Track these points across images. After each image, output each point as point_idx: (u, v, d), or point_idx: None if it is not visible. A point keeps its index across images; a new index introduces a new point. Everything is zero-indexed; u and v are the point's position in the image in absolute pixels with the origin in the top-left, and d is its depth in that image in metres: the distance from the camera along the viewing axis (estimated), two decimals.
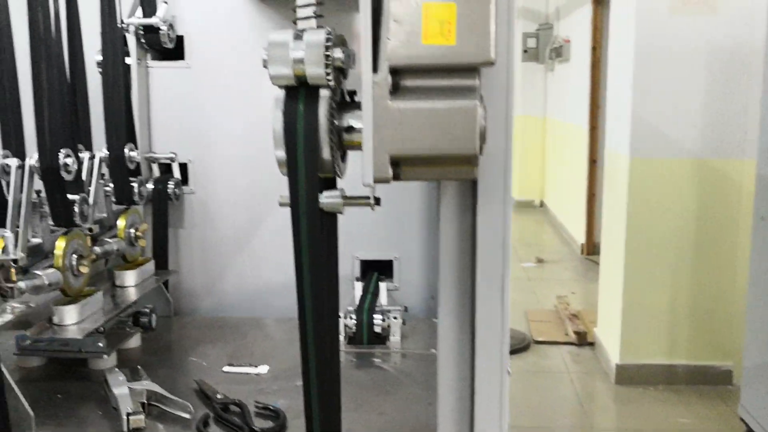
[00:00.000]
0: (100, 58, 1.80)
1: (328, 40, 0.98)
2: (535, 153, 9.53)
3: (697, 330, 4.13)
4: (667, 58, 3.94)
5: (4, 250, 1.39)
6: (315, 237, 1.06)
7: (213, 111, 2.00)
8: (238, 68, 1.98)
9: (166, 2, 1.89)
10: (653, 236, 4.08)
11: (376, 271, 2.00)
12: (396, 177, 1.00)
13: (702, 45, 3.90)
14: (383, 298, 1.88)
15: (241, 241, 2.05)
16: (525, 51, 8.96)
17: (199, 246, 2.05)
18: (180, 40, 1.97)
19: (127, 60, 1.88)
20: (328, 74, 0.98)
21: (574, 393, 4.15)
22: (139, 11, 1.88)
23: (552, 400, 4.11)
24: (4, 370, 1.26)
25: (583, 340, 4.78)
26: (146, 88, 1.98)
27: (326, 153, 1.02)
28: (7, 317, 1.50)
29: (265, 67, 0.99)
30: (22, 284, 1.36)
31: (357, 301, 1.84)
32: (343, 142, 1.04)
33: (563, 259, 7.12)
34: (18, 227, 1.43)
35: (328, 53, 0.97)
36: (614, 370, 4.20)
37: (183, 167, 2.02)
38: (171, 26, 1.91)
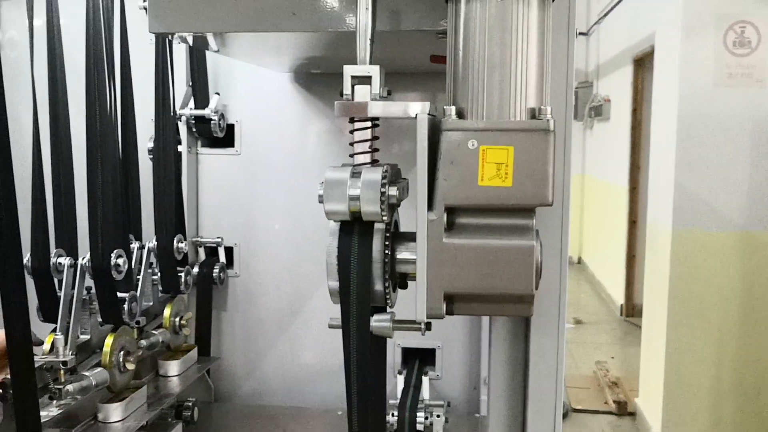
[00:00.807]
0: (152, 145, 1.84)
1: (384, 177, 0.98)
2: (573, 210, 9.41)
3: (742, 408, 4.00)
4: (712, 128, 3.91)
5: (53, 348, 1.41)
6: (365, 358, 1.05)
7: (260, 195, 2.03)
8: (284, 156, 2.01)
9: (218, 93, 1.93)
10: (697, 307, 3.99)
11: (418, 359, 1.98)
12: (449, 312, 0.99)
13: (747, 116, 3.86)
14: (425, 392, 1.86)
15: (282, 325, 2.05)
16: None
17: (241, 328, 2.06)
18: (230, 127, 2.00)
19: (179, 148, 1.92)
20: (383, 211, 0.98)
21: None
22: (192, 102, 1.92)
23: None
24: None
25: (623, 410, 4.67)
26: (196, 174, 2.02)
27: (378, 285, 1.02)
28: (53, 412, 1.52)
29: (320, 202, 0.99)
30: (70, 387, 1.37)
31: (399, 394, 1.81)
32: (396, 273, 1.04)
33: (602, 321, 6.99)
34: (68, 324, 1.45)
35: (383, 191, 0.98)
36: None
37: (229, 251, 2.04)
38: (222, 116, 1.95)
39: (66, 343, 1.41)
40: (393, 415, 1.74)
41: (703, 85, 3.90)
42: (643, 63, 6.35)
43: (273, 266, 2.04)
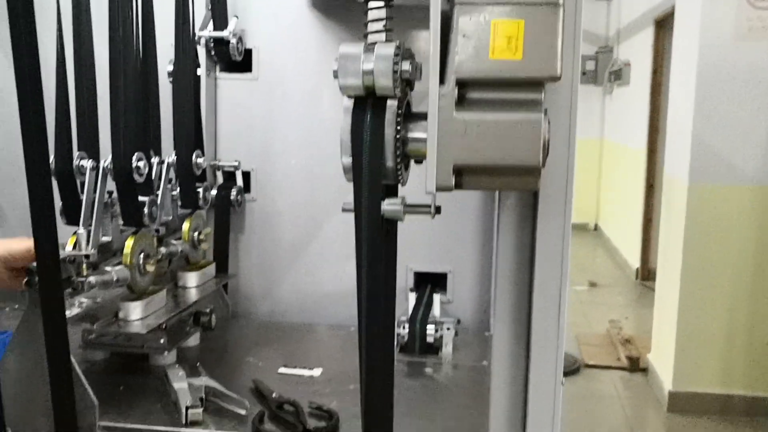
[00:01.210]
0: (172, 68, 1.87)
1: (396, 53, 1.01)
2: (591, 175, 9.43)
3: (754, 360, 4.03)
4: (731, 83, 3.89)
5: (77, 245, 1.47)
6: (376, 241, 1.09)
7: (276, 122, 2.06)
8: (301, 81, 2.04)
9: (236, 16, 1.96)
10: (710, 263, 4.01)
11: (429, 283, 2.02)
12: (458, 186, 1.02)
13: (766, 70, 3.83)
14: (436, 310, 1.90)
15: (298, 248, 2.09)
16: (583, 73, 8.90)
17: (257, 252, 2.10)
18: (248, 53, 2.03)
19: (198, 71, 1.95)
20: (395, 85, 1.01)
21: (625, 419, 4.09)
22: (211, 25, 1.95)
23: (602, 425, 4.05)
24: (72, 359, 1.32)
25: (635, 365, 4.71)
26: (214, 98, 2.05)
27: (390, 162, 1.05)
28: (75, 311, 1.58)
29: (335, 77, 1.03)
30: (92, 279, 1.42)
31: (410, 312, 1.86)
32: (407, 151, 1.07)
33: (617, 284, 7.01)
34: (90, 226, 1.50)
35: (396, 66, 1.00)
36: (667, 397, 4.12)
37: (246, 175, 2.08)
38: (240, 39, 1.97)
39: (88, 240, 1.46)
40: (404, 327, 1.78)
41: (723, 39, 3.88)
42: (663, 24, 6.30)
43: (289, 191, 2.08)
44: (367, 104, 1.04)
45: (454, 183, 1.01)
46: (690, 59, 4.00)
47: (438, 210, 1.12)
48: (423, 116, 1.03)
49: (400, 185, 1.14)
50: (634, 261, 7.11)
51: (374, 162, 1.04)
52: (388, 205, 1.11)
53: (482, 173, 1.02)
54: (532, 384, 1.16)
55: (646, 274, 6.79)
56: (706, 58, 3.90)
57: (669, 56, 4.94)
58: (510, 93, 0.99)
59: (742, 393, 4.04)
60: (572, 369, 4.66)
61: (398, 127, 1.04)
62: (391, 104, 1.04)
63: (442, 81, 0.99)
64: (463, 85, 0.99)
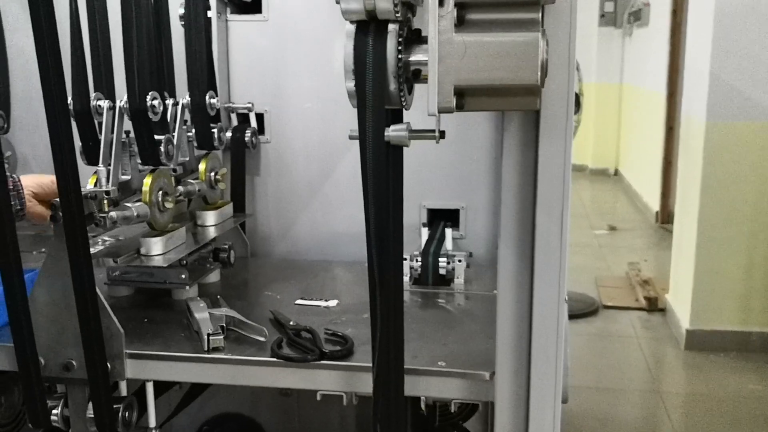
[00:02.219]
0: (182, 11, 1.90)
1: None
2: (611, 120, 9.35)
3: None
4: (748, 19, 3.83)
5: (97, 183, 1.52)
6: (381, 165, 1.12)
7: (289, 63, 2.09)
8: (312, 22, 2.05)
9: None
10: (728, 201, 4.00)
11: (442, 220, 2.06)
12: (460, 107, 1.05)
13: None
14: (449, 244, 1.94)
15: (313, 189, 2.13)
16: (602, 16, 8.77)
17: (273, 193, 2.15)
18: None
19: (208, 14, 1.98)
20: (396, 8, 1.03)
21: (643, 357, 4.14)
22: None
23: (619, 363, 4.11)
24: (98, 291, 1.38)
25: (653, 306, 4.74)
26: (226, 40, 2.08)
27: (393, 85, 1.08)
28: (99, 248, 1.64)
29: (337, 2, 1.05)
30: (114, 214, 1.47)
31: (423, 246, 1.90)
32: (410, 75, 1.10)
33: (636, 228, 7.01)
34: (109, 164, 1.55)
35: None
36: (684, 335, 4.16)
37: (260, 117, 2.11)
38: None
39: (108, 178, 1.51)
40: (417, 261, 1.83)
41: None
42: None
43: (303, 132, 2.11)
44: (369, 28, 1.07)
45: (455, 104, 1.04)
46: None
47: (442, 134, 1.15)
48: (424, 41, 1.06)
49: (405, 111, 1.17)
50: (654, 204, 7.09)
51: (377, 85, 1.07)
52: (392, 131, 1.14)
53: (483, 94, 1.05)
54: (536, 301, 1.20)
55: (666, 217, 6.77)
56: None
57: None
58: (508, 13, 1.01)
59: (759, 330, 4.06)
60: (590, 310, 4.71)
61: (400, 50, 1.07)
62: (393, 28, 1.07)
63: (441, 3, 1.01)
64: (461, 6, 1.01)
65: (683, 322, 4.22)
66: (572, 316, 4.55)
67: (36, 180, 1.57)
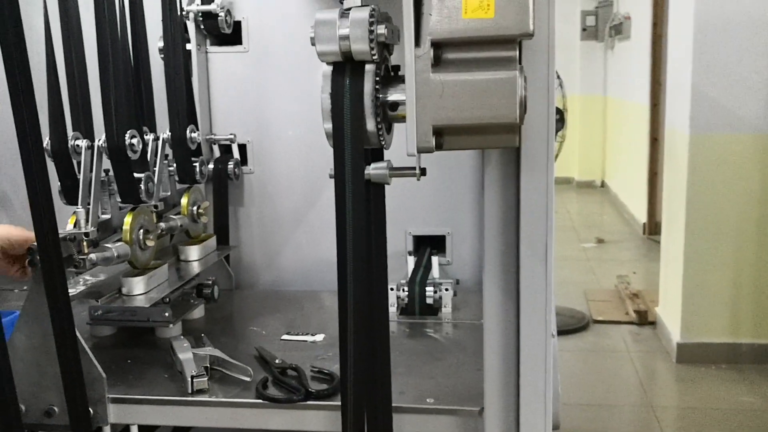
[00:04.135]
0: (162, 44, 1.89)
1: (372, 17, 1.02)
2: (596, 133, 9.39)
3: (761, 308, 4.05)
4: (728, 32, 3.85)
5: (76, 224, 1.50)
6: (360, 207, 1.11)
7: (270, 93, 2.08)
8: (292, 51, 2.04)
9: None
10: (714, 213, 4.01)
11: (428, 246, 2.04)
12: (439, 147, 1.04)
13: (765, 15, 3.80)
14: (435, 272, 1.93)
15: (298, 218, 2.12)
16: (584, 29, 8.82)
17: (258, 223, 2.13)
18: (237, 25, 2.04)
19: (188, 46, 1.97)
20: (372, 49, 1.03)
21: (634, 372, 4.13)
22: None
23: (611, 378, 4.10)
24: (78, 335, 1.35)
25: (643, 319, 4.74)
26: (206, 72, 2.07)
27: (371, 125, 1.07)
28: (80, 288, 1.61)
29: (312, 44, 1.04)
30: (93, 256, 1.45)
31: (410, 275, 1.89)
32: (388, 114, 1.09)
33: (624, 240, 7.02)
34: (89, 204, 1.53)
35: (372, 29, 1.02)
36: (675, 348, 4.15)
37: (242, 148, 2.10)
38: (228, 12, 1.98)
39: (87, 218, 1.49)
40: (403, 290, 1.81)
41: None
42: None
43: (286, 162, 2.10)
44: (345, 69, 1.06)
45: (434, 144, 1.03)
46: (687, 10, 3.96)
47: (423, 171, 1.15)
48: (402, 79, 1.05)
49: (385, 149, 1.16)
50: (641, 216, 7.12)
51: (355, 126, 1.06)
52: (373, 170, 1.13)
53: (462, 132, 1.04)
54: (523, 334, 1.19)
55: (653, 228, 6.79)
56: (703, 7, 3.86)
57: (668, 8, 4.89)
58: (485, 52, 1.01)
59: (749, 341, 4.07)
60: (581, 325, 4.70)
61: (377, 90, 1.06)
62: (370, 68, 1.06)
63: (417, 43, 1.00)
64: (438, 46, 1.00)
65: (674, 336, 4.22)
66: (563, 332, 4.54)
67: (5, 233, 1.53)
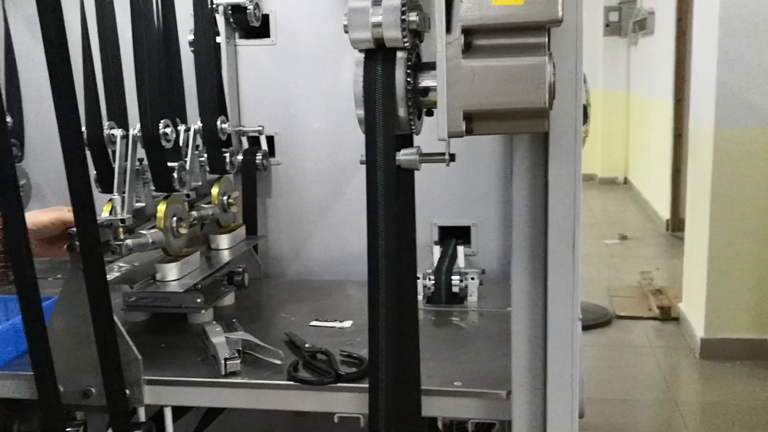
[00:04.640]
0: (192, 37, 1.93)
1: (404, 4, 1.05)
2: (619, 129, 9.34)
3: None
4: (754, 27, 3.83)
5: (113, 211, 1.54)
6: (391, 192, 1.13)
7: (297, 86, 2.11)
8: (319, 45, 2.07)
9: None
10: (739, 208, 3.99)
11: (454, 237, 2.07)
12: (469, 131, 1.06)
13: None
14: (461, 261, 1.95)
15: (324, 209, 2.15)
16: (607, 25, 8.78)
17: (285, 214, 2.16)
18: (265, 18, 2.07)
19: (217, 39, 2.00)
20: (404, 37, 1.05)
21: (657, 367, 4.12)
22: None
23: (634, 374, 4.09)
24: (115, 318, 1.39)
25: (666, 315, 4.72)
26: (235, 65, 2.10)
27: (402, 111, 1.10)
28: (115, 275, 1.66)
29: (345, 32, 1.07)
30: (129, 242, 1.49)
31: (436, 264, 1.91)
32: (419, 101, 1.11)
33: (647, 236, 6.99)
34: (124, 192, 1.57)
35: (404, 17, 1.04)
36: (699, 344, 4.14)
37: (270, 140, 2.13)
38: (257, 5, 2.01)
39: (123, 205, 1.53)
40: (429, 279, 1.84)
41: None
42: None
43: (313, 154, 2.13)
44: (377, 57, 1.09)
45: (465, 129, 1.05)
46: (713, 4, 3.95)
47: (452, 157, 1.17)
48: (433, 66, 1.07)
49: (415, 135, 1.18)
50: (665, 212, 7.08)
51: (387, 113, 1.09)
52: (403, 156, 1.16)
53: (491, 117, 1.06)
54: (550, 321, 1.20)
55: (677, 224, 6.75)
56: (729, 2, 3.85)
57: (694, 2, 4.86)
58: (514, 38, 1.03)
59: None
60: (604, 320, 4.70)
61: (408, 77, 1.08)
62: (401, 55, 1.08)
63: (448, 30, 1.02)
64: (468, 32, 1.03)
65: (697, 331, 4.20)
66: (585, 327, 4.54)
67: (33, 219, 1.52)
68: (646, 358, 4.23)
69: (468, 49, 1.03)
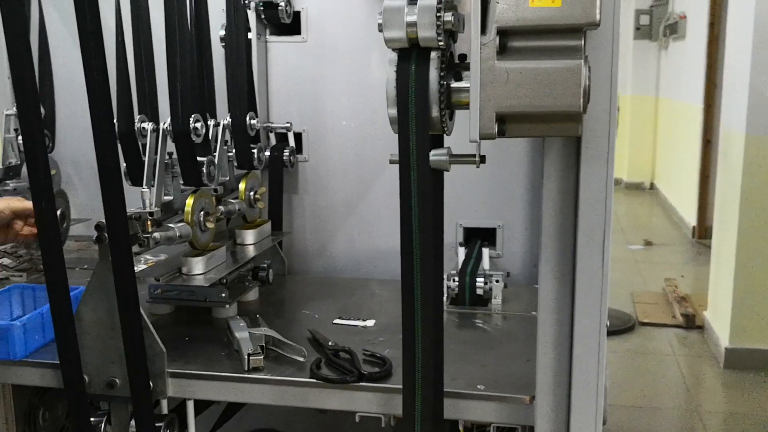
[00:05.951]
0: (223, 33, 1.93)
1: (439, 4, 1.04)
2: (646, 134, 9.24)
3: None
4: None
5: (142, 203, 1.55)
6: (426, 191, 1.13)
7: (326, 84, 2.11)
8: (350, 43, 2.07)
9: None
10: None
11: (479, 238, 2.05)
12: (501, 134, 1.05)
13: None
14: (486, 263, 1.94)
15: (350, 207, 2.15)
16: (637, 29, 8.69)
17: (311, 210, 2.17)
18: (296, 15, 2.08)
19: (249, 35, 2.01)
20: (439, 36, 1.04)
21: (680, 375, 4.07)
22: None
23: (657, 381, 4.04)
24: (142, 310, 1.40)
25: (691, 323, 4.66)
26: (265, 61, 2.11)
27: (435, 111, 1.09)
28: (141, 267, 1.67)
29: (380, 31, 1.06)
30: (157, 235, 1.50)
31: (460, 265, 1.90)
32: (452, 101, 1.11)
33: (673, 243, 6.91)
34: (153, 185, 1.58)
35: (439, 16, 1.04)
36: (723, 354, 4.08)
37: (297, 136, 2.13)
38: (289, 2, 2.02)
39: (152, 199, 1.54)
40: (454, 280, 1.83)
41: None
42: None
43: (340, 151, 2.13)
44: (411, 56, 1.08)
45: (497, 130, 1.04)
46: (747, 9, 3.89)
47: (483, 159, 1.16)
48: (466, 66, 1.06)
49: (445, 136, 1.18)
50: (691, 219, 6.99)
51: (420, 112, 1.08)
52: (434, 156, 1.15)
53: (524, 120, 1.05)
54: (577, 327, 1.19)
55: (703, 232, 6.67)
56: (763, 7, 3.79)
57: (726, 8, 4.80)
58: (550, 40, 1.02)
59: None
60: (627, 327, 4.65)
61: (442, 77, 1.08)
62: (435, 55, 1.08)
63: (483, 31, 1.02)
64: (504, 33, 1.02)
65: (722, 340, 4.14)
66: (608, 333, 4.48)
67: (4, 205, 1.54)
68: (670, 366, 4.18)
69: (503, 51, 1.02)
